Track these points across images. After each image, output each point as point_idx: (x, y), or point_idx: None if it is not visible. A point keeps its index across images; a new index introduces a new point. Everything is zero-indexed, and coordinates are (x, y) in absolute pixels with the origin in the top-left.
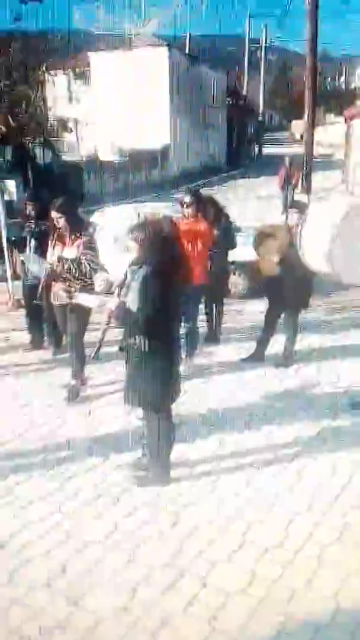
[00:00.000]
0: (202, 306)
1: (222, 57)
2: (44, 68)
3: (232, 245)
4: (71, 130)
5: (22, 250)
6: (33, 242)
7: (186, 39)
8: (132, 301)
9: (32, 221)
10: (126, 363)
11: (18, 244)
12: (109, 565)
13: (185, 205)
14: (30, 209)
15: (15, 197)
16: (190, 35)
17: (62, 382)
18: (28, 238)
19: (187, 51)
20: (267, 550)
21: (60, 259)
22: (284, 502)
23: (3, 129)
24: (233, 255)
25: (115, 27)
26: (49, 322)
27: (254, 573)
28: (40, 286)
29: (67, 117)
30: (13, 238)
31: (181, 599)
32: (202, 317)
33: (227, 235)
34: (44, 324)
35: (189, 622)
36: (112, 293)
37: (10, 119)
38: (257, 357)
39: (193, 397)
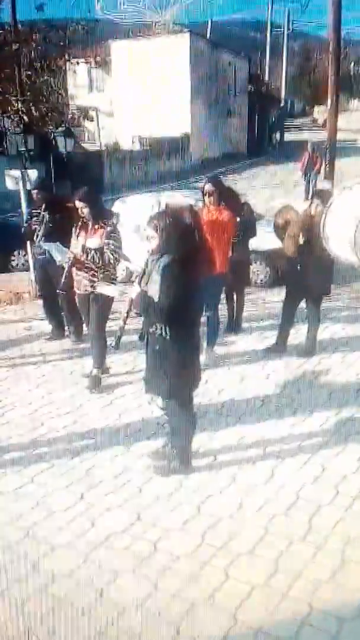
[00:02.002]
0: (222, 295)
1: (244, 43)
2: (65, 57)
3: (253, 233)
4: (92, 119)
5: (30, 238)
6: (42, 230)
7: (207, 26)
8: (153, 290)
9: (40, 209)
10: (146, 352)
11: (27, 233)
12: (132, 555)
13: (207, 194)
14: (39, 197)
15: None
16: (211, 21)
17: (84, 371)
18: (38, 227)
19: (208, 37)
20: (291, 543)
21: (83, 248)
22: (307, 494)
23: (25, 118)
24: (254, 244)
25: (136, 15)
26: (69, 311)
27: (277, 565)
28: (63, 275)
29: (88, 106)
30: (23, 226)
31: (203, 590)
32: (222, 306)
33: (248, 223)
34: (62, 313)
35: (211, 613)
36: (132, 282)
37: (32, 108)
38: (279, 347)
39: (214, 386)
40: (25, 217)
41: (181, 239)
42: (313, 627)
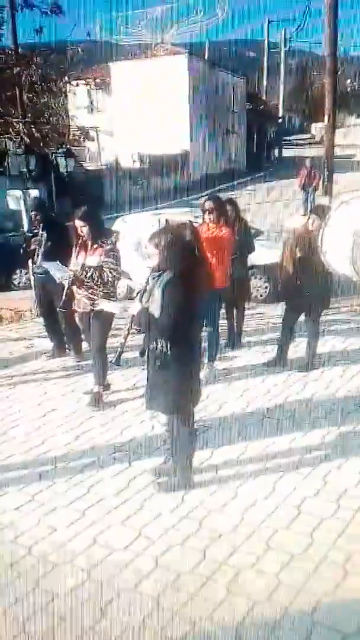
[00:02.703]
0: (222, 310)
1: (242, 62)
2: (65, 79)
3: (251, 249)
4: (92, 139)
5: (29, 257)
6: (41, 250)
7: (205, 46)
8: (154, 307)
9: (39, 230)
10: (147, 368)
11: (26, 253)
12: (134, 571)
13: (207, 212)
14: (37, 218)
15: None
16: (209, 41)
17: (85, 388)
18: (37, 247)
19: (206, 57)
20: (293, 557)
21: (83, 267)
22: (308, 508)
23: (27, 139)
24: (253, 259)
25: (135, 37)
26: (70, 329)
27: (279, 580)
28: (63, 294)
29: (89, 126)
30: (22, 247)
31: (207, 606)
32: (222, 322)
33: (246, 239)
34: (63, 330)
35: (214, 629)
36: (133, 299)
37: (33, 129)
38: (279, 362)
39: (215, 402)
40: (25, 237)
41: (181, 256)
42: None
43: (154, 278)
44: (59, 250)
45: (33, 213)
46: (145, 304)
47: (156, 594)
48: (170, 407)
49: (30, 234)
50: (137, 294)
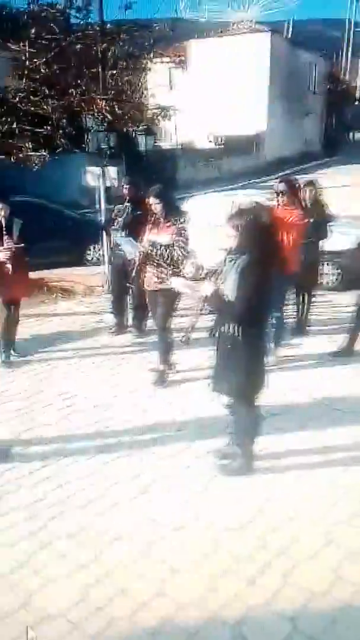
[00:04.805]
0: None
1: (324, 42)
2: (149, 56)
3: (325, 235)
4: (170, 118)
5: (110, 232)
6: (122, 221)
7: (288, 24)
8: (229, 289)
9: (126, 204)
10: (216, 350)
11: (107, 226)
12: (192, 552)
13: (280, 194)
14: (126, 193)
15: (116, 184)
16: (292, 20)
17: (149, 366)
18: (120, 221)
19: (288, 36)
20: (353, 553)
21: (153, 244)
22: None
23: (109, 116)
24: (325, 245)
25: (218, 14)
26: (136, 306)
27: (338, 575)
28: (133, 270)
29: (166, 104)
30: (106, 221)
31: (263, 593)
32: (289, 308)
33: (320, 224)
34: (128, 307)
35: (270, 618)
36: (200, 279)
37: (115, 107)
38: (346, 352)
39: (279, 389)
40: (111, 210)
41: (261, 239)
42: None
43: (230, 260)
44: (138, 223)
45: (127, 186)
46: (218, 285)
47: (214, 576)
48: (236, 390)
49: (112, 207)
50: (206, 274)
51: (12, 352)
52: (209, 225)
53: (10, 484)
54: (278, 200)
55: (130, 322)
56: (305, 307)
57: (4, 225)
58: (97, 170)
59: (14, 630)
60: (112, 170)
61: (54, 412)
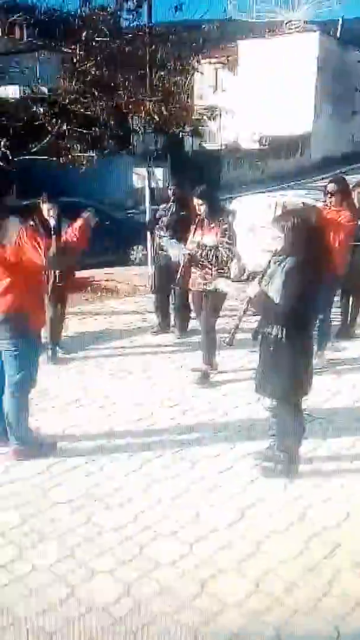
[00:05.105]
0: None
1: None
2: (197, 57)
3: None
4: (215, 119)
5: (155, 232)
6: (169, 225)
7: (337, 24)
8: (275, 291)
9: (171, 205)
10: (260, 352)
11: (152, 227)
12: (235, 553)
13: (329, 194)
14: (172, 193)
15: (161, 185)
16: (342, 19)
17: (192, 366)
18: (165, 220)
19: (337, 36)
20: None
21: (199, 245)
22: None
23: (156, 118)
24: None
25: (267, 14)
26: (179, 306)
27: None
28: (178, 271)
29: (213, 105)
30: (151, 221)
31: (306, 599)
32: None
33: None
34: (170, 307)
35: (313, 622)
36: (244, 280)
37: (163, 108)
38: None
39: (323, 392)
40: (156, 210)
41: (308, 241)
42: None
43: (276, 262)
44: (184, 225)
45: (173, 187)
46: (264, 287)
47: (256, 578)
48: (280, 393)
49: (157, 207)
50: (249, 275)
51: (57, 348)
52: (254, 226)
53: (56, 478)
54: (327, 201)
55: (172, 322)
56: (352, 310)
57: (53, 225)
58: (143, 171)
59: (60, 621)
60: (157, 171)
61: (97, 409)
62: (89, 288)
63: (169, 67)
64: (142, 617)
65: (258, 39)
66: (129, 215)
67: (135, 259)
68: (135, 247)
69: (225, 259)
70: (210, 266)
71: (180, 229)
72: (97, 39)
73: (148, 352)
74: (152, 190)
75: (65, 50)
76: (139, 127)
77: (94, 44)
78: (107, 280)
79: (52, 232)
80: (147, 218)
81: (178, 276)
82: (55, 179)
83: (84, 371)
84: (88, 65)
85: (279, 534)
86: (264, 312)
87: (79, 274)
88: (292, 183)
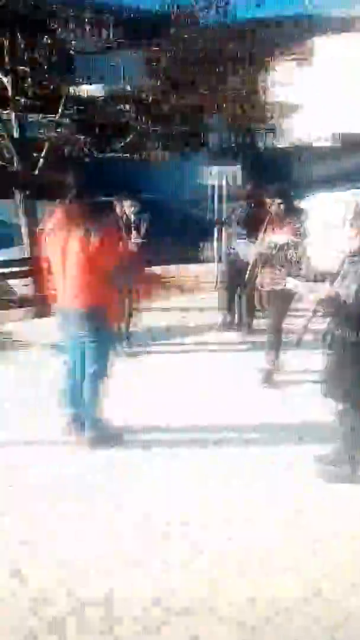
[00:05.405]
0: None
1: None
2: (277, 54)
3: None
4: (289, 117)
5: (225, 230)
6: (241, 222)
7: None
8: (346, 292)
9: (243, 202)
10: (328, 354)
11: (223, 224)
12: (291, 554)
13: None
14: (245, 191)
15: (233, 182)
16: None
17: (257, 365)
18: (235, 217)
19: None
20: None
21: (270, 244)
22: None
23: (231, 116)
24: None
25: (346, 10)
26: (247, 305)
27: None
28: (248, 270)
29: (287, 103)
30: (223, 219)
31: None
32: None
33: None
34: (237, 306)
35: None
36: (316, 281)
37: (238, 106)
38: None
39: None
40: (228, 208)
41: None
42: None
43: (350, 262)
44: (256, 223)
45: (249, 185)
46: (336, 288)
47: (313, 580)
48: (346, 396)
49: (229, 205)
50: (320, 276)
51: (126, 343)
52: (327, 225)
53: (121, 469)
54: None
55: (239, 320)
56: None
57: (132, 221)
58: (216, 168)
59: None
60: (231, 169)
61: (163, 404)
62: (159, 284)
63: (245, 65)
64: (199, 618)
65: (334, 35)
66: (201, 212)
67: (206, 256)
68: (206, 245)
69: (296, 258)
70: (280, 265)
71: (252, 227)
72: (179, 37)
73: (214, 350)
74: (225, 187)
75: (147, 49)
76: (215, 125)
77: (178, 42)
78: (176, 276)
79: (133, 228)
80: (218, 215)
81: (247, 274)
82: (132, 175)
83: (151, 366)
84: (168, 63)
85: (336, 539)
86: (335, 314)
87: (149, 270)
88: None
